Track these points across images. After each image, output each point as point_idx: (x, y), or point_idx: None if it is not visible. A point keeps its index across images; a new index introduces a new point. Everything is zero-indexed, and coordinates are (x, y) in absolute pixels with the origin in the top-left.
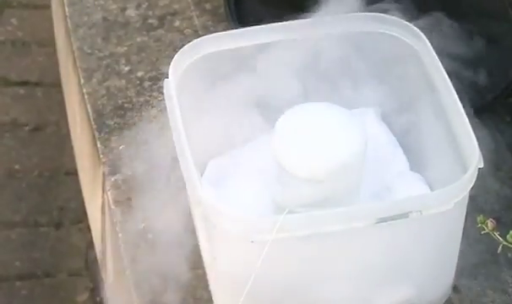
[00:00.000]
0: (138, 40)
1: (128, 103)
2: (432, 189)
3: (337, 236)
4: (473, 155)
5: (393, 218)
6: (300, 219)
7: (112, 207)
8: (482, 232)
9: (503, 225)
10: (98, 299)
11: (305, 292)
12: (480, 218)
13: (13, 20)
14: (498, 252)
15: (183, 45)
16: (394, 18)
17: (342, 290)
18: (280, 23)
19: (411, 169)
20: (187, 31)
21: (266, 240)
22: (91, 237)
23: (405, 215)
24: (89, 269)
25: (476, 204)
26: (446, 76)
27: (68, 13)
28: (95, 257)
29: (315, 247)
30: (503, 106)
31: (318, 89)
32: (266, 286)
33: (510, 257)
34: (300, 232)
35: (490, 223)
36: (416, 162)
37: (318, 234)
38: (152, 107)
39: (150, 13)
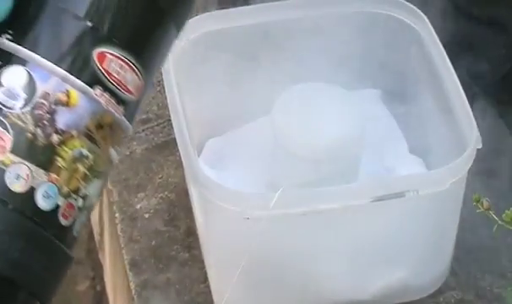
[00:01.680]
0: None
1: None
2: None
3: (333, 213)
4: (471, 136)
5: (389, 197)
6: (295, 196)
7: (109, 187)
8: (478, 211)
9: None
10: (98, 288)
11: (300, 270)
12: (475, 196)
13: None
14: (494, 230)
15: None
16: None
17: (337, 269)
18: (280, 1)
19: (411, 151)
20: None
21: (261, 217)
22: (92, 227)
23: (401, 194)
24: (90, 258)
25: (476, 189)
26: (447, 58)
27: None
28: (96, 247)
29: (310, 224)
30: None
31: (318, 69)
32: (261, 264)
33: (509, 242)
34: (295, 209)
35: (485, 202)
36: (415, 145)
37: (313, 211)
38: None
39: None
